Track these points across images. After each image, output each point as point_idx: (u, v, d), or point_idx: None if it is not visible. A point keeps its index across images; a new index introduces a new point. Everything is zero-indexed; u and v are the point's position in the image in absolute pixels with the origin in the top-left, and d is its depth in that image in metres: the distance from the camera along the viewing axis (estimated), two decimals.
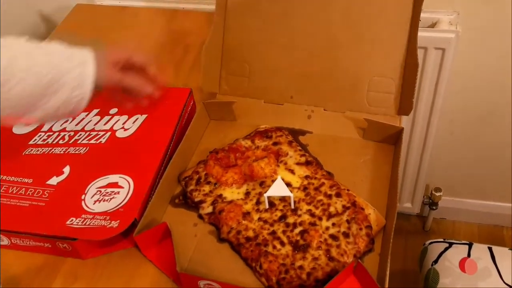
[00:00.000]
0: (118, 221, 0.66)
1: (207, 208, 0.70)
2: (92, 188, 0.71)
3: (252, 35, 0.82)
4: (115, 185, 0.71)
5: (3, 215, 0.69)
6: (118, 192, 0.70)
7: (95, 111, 0.83)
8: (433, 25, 1.03)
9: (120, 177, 0.72)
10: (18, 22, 1.34)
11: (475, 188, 1.45)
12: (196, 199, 0.71)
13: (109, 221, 0.66)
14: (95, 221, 0.66)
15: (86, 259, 0.68)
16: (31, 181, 0.73)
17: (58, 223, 0.66)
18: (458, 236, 1.54)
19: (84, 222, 0.66)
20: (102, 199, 0.69)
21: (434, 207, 1.46)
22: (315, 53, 0.80)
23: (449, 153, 1.34)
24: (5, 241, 0.69)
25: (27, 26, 1.34)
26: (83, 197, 0.70)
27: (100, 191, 0.70)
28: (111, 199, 0.69)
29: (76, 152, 0.77)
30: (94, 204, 0.69)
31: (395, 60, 0.76)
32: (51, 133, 0.81)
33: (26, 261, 0.68)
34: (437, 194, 1.41)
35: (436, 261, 1.00)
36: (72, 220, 0.67)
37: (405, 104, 0.76)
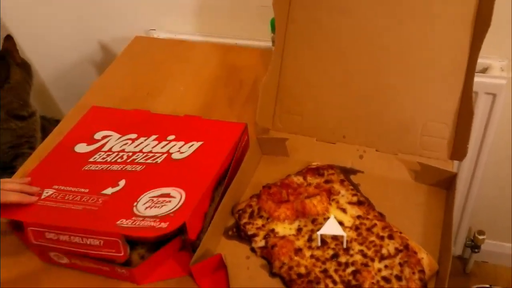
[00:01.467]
0: (168, 223, 0.67)
1: (259, 242, 0.72)
2: (144, 197, 0.74)
3: (308, 75, 0.85)
4: (167, 195, 0.74)
5: (56, 215, 0.72)
6: (170, 201, 0.72)
7: (154, 136, 0.87)
8: (484, 71, 1.04)
9: (173, 189, 0.75)
10: (78, 50, 1.42)
11: None
12: (249, 232, 0.73)
13: (159, 222, 0.68)
14: (145, 222, 0.68)
15: (141, 284, 0.70)
16: (87, 191, 0.77)
17: (108, 222, 0.69)
18: (501, 281, 1.50)
19: (134, 223, 0.68)
20: (153, 206, 0.72)
21: (476, 250, 1.43)
22: (369, 95, 0.82)
23: (494, 197, 1.33)
24: (65, 260, 0.72)
25: (85, 54, 1.42)
26: (135, 204, 0.73)
27: (152, 200, 0.73)
28: (162, 206, 0.71)
29: (133, 169, 0.80)
30: (145, 209, 0.71)
31: (450, 105, 0.77)
32: (110, 153, 0.85)
33: (84, 281, 0.72)
34: (480, 237, 1.38)
35: None
36: (122, 220, 0.69)
37: (459, 149, 0.77)
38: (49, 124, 1.30)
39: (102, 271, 0.71)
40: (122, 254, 0.67)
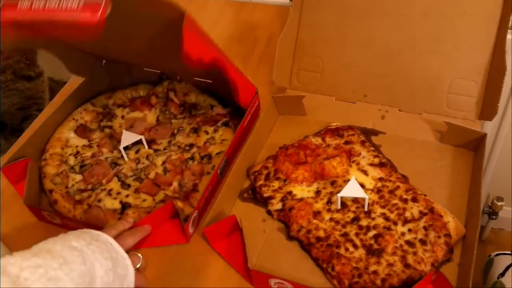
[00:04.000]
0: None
1: (276, 205, 0.69)
2: None
3: (328, 31, 0.80)
4: None
5: None
6: None
7: None
8: None
9: None
10: None
11: None
12: (265, 195, 0.70)
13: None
14: None
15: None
16: None
17: None
18: None
19: None
20: None
21: (494, 217, 1.40)
22: (392, 51, 0.77)
23: None
24: (57, 220, 0.71)
25: None
26: None
27: None
28: None
29: None
30: None
31: (479, 62, 0.73)
32: None
33: None
34: (499, 203, 1.34)
35: (502, 274, 0.95)
36: None
37: (488, 108, 0.72)
38: (57, 86, 1.27)
39: None
40: (99, 14, 0.55)
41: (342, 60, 0.80)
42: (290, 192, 0.70)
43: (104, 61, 0.89)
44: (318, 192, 0.69)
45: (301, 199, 0.68)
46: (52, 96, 1.19)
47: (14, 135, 1.15)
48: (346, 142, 0.75)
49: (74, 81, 0.97)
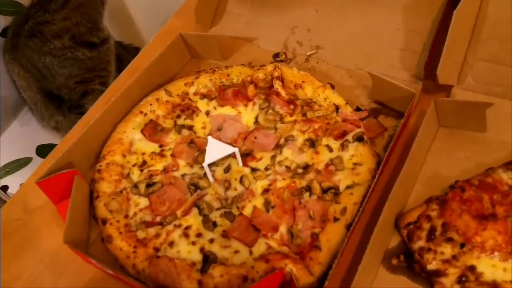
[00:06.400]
0: None
1: (450, 286, 0.42)
2: None
3: None
4: None
5: None
6: None
7: None
8: None
9: None
10: None
11: None
12: (430, 267, 0.44)
13: None
14: None
15: None
16: None
17: None
18: None
19: None
20: None
21: None
22: None
23: None
24: (110, 271, 0.49)
25: None
26: None
27: None
28: None
29: None
30: None
31: None
32: None
33: None
34: None
35: None
36: None
37: None
38: (126, 53, 1.05)
39: None
40: None
41: None
42: (472, 268, 0.43)
43: None
44: None
45: (493, 284, 0.41)
46: (119, 67, 0.97)
47: (73, 112, 0.95)
48: None
49: (147, 52, 0.74)
